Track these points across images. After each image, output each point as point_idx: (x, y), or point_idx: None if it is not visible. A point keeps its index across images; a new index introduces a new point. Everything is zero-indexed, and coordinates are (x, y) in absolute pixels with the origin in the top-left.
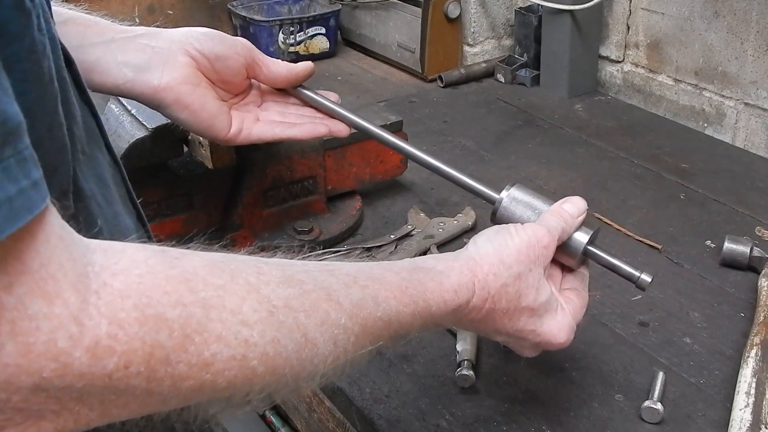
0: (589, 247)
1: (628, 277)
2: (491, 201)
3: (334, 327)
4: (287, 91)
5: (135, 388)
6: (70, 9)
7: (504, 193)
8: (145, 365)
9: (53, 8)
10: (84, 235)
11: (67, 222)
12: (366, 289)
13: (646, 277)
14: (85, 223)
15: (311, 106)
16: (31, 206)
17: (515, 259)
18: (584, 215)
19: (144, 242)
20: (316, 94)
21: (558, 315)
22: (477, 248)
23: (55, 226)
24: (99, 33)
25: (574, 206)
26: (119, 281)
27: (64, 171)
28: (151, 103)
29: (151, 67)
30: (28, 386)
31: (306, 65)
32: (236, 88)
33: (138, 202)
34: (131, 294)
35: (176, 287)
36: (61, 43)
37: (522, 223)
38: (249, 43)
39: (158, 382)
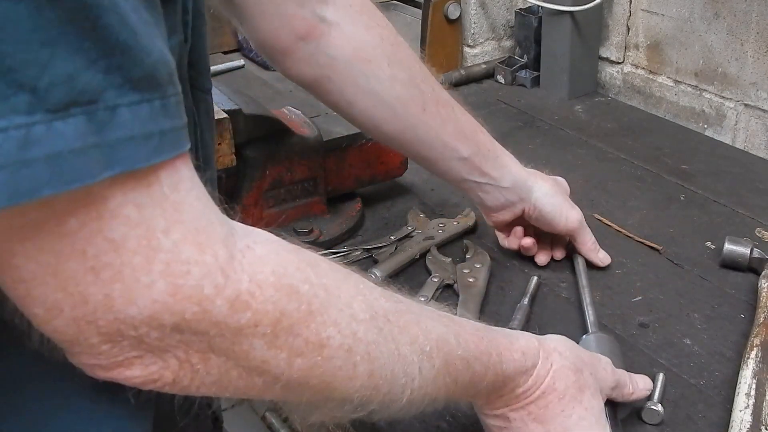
0: None
1: None
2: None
3: (421, 351)
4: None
5: (254, 353)
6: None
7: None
8: (271, 328)
9: (431, 95)
10: None
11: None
12: (448, 327)
13: None
14: None
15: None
16: (180, 144)
17: (579, 357)
18: (643, 395)
19: None
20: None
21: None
22: (544, 336)
23: (202, 186)
24: (481, 163)
25: (645, 383)
26: (260, 248)
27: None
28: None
29: (494, 210)
30: (169, 324)
31: (604, 261)
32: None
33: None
34: (270, 261)
35: (305, 267)
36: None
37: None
38: (580, 219)
39: (276, 351)
